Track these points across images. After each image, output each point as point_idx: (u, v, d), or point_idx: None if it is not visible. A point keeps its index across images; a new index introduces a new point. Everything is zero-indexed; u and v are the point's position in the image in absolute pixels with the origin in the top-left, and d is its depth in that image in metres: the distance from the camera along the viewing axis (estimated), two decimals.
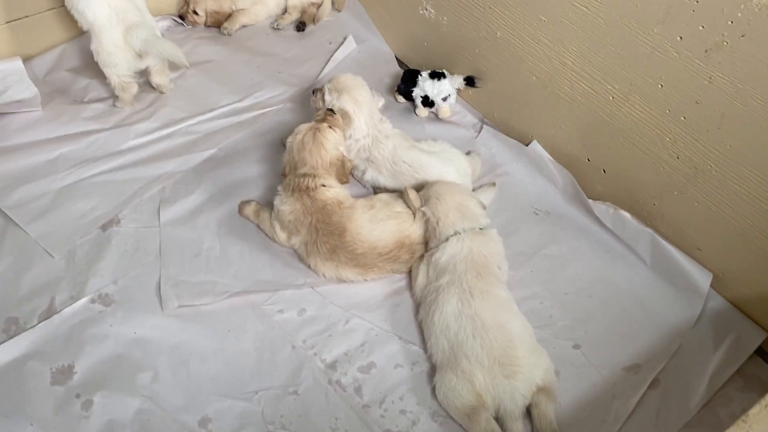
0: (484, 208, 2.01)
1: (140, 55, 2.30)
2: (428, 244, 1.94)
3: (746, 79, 1.58)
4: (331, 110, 2.12)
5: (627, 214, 2.03)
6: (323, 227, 1.91)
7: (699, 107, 1.71)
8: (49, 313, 1.86)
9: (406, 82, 2.48)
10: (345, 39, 2.82)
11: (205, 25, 2.86)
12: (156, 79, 2.47)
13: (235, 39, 2.83)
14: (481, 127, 2.46)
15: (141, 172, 2.25)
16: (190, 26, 2.85)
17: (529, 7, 2.04)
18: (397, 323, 1.89)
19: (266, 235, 2.06)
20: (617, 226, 2.05)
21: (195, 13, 2.80)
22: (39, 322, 1.83)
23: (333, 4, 2.98)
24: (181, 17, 2.84)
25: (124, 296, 1.91)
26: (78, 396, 1.70)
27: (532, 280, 2.00)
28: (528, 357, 1.66)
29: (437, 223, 1.91)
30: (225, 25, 2.83)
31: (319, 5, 2.94)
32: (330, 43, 2.83)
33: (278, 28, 2.88)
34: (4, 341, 1.78)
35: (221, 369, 1.77)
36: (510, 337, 1.68)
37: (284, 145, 2.31)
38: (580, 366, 1.81)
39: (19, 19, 2.47)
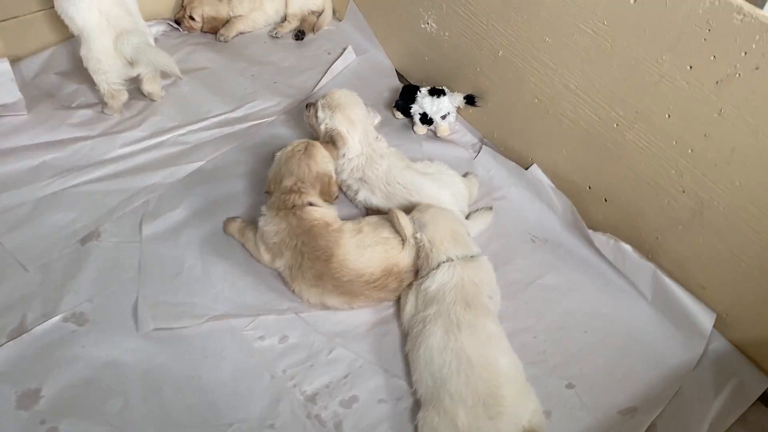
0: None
1: (131, 63, 2.22)
2: (419, 271, 1.85)
3: (759, 114, 1.49)
4: (333, 139, 2.03)
5: (628, 247, 1.93)
6: (309, 251, 1.82)
7: (708, 140, 1.62)
8: (20, 331, 1.77)
9: (405, 98, 2.40)
10: (344, 50, 2.74)
11: (202, 30, 2.79)
12: (147, 87, 2.39)
13: (231, 46, 2.76)
14: (480, 148, 2.37)
15: (125, 183, 2.17)
16: (185, 32, 2.78)
17: (532, 27, 1.96)
18: (383, 354, 1.80)
19: (251, 254, 1.98)
20: (617, 258, 1.96)
21: (191, 18, 2.73)
22: (8, 341, 1.74)
23: (334, 12, 2.91)
24: (177, 22, 2.77)
25: (99, 315, 1.82)
26: (43, 422, 1.61)
27: (526, 311, 1.91)
28: (514, 397, 1.57)
29: (431, 249, 1.82)
30: (222, 31, 2.75)
31: (320, 14, 2.86)
32: (329, 54, 2.75)
33: (276, 37, 2.80)
34: None
35: (195, 398, 1.68)
36: (496, 375, 1.58)
37: None
38: (572, 407, 1.71)
39: (8, 19, 2.40)
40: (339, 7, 2.88)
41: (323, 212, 1.89)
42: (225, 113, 2.44)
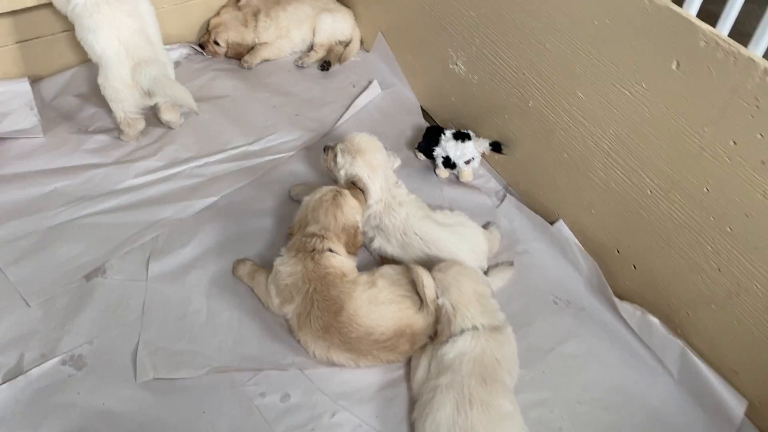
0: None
1: (148, 94, 2.17)
2: (436, 334, 1.76)
3: None
4: (355, 184, 1.96)
5: (656, 320, 1.82)
6: (320, 300, 1.74)
7: (749, 221, 1.50)
8: (16, 371, 1.72)
9: (428, 140, 2.31)
10: (369, 83, 2.66)
11: (226, 56, 2.72)
12: (165, 116, 2.34)
13: (254, 73, 2.69)
14: (504, 196, 2.28)
15: (136, 216, 2.11)
16: (209, 56, 2.72)
17: (566, 80, 1.86)
18: (389, 421, 1.70)
19: (260, 300, 1.91)
20: (644, 330, 1.85)
21: (216, 43, 2.67)
22: (3, 382, 1.69)
23: (362, 43, 2.84)
24: (201, 46, 2.71)
25: (98, 360, 1.76)
26: None
27: (543, 382, 1.80)
28: None
29: (454, 315, 1.72)
30: (246, 58, 2.69)
31: (347, 44, 2.79)
32: (353, 86, 2.68)
33: (302, 66, 2.73)
34: None
35: None
36: None
37: (292, 198, 2.19)
38: None
39: (31, 39, 2.37)
40: (367, 38, 2.80)
41: (342, 261, 1.82)
42: (243, 146, 2.37)
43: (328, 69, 2.72)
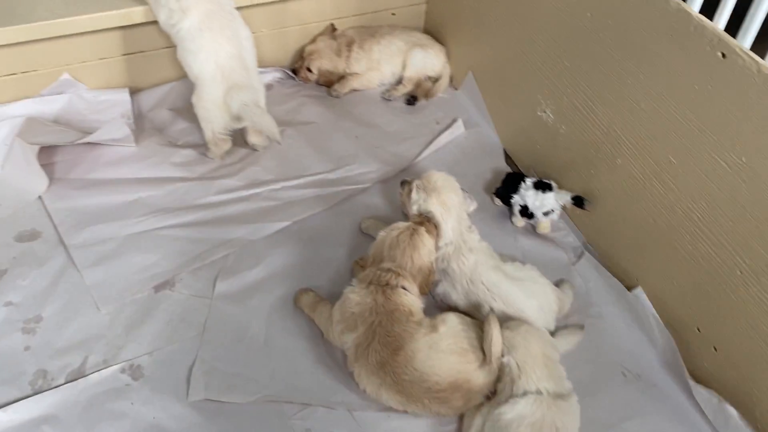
0: None
1: (237, 117, 2.22)
2: (494, 394, 1.68)
3: None
4: (427, 217, 1.93)
5: (734, 411, 1.67)
6: (382, 334, 1.70)
7: None
8: (79, 373, 1.78)
9: (507, 186, 2.25)
10: (454, 121, 2.63)
11: (317, 83, 2.76)
12: (251, 138, 2.40)
13: (341, 103, 2.72)
14: (582, 254, 2.18)
15: (211, 233, 2.15)
16: (301, 82, 2.77)
17: (658, 143, 1.76)
18: None
19: (320, 329, 1.90)
20: (719, 420, 1.70)
21: (308, 70, 2.72)
22: (65, 382, 1.75)
23: (451, 80, 2.81)
24: (294, 72, 2.77)
25: (155, 372, 1.80)
26: None
27: None
28: None
29: (518, 376, 1.65)
30: (335, 86, 2.73)
31: (436, 80, 2.77)
32: (437, 123, 2.65)
33: (388, 99, 2.73)
34: (29, 396, 1.72)
35: None
36: None
37: (362, 231, 2.18)
38: None
39: (135, 53, 2.49)
40: (457, 76, 2.78)
41: (412, 300, 1.79)
42: (322, 173, 2.39)
43: (414, 104, 2.71)
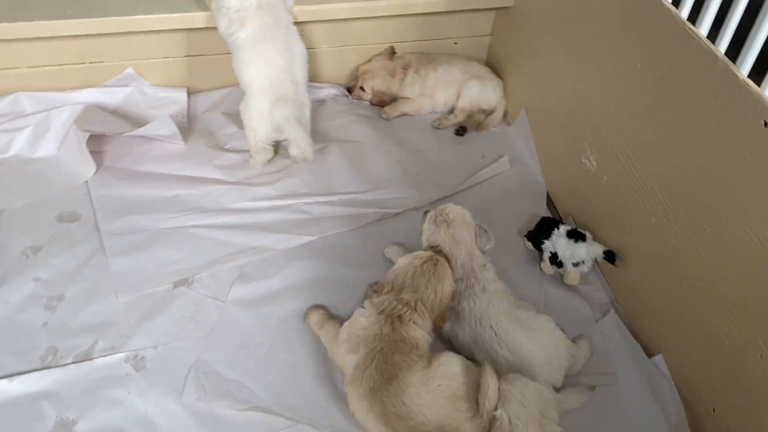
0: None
1: (278, 129, 2.27)
2: None
3: None
4: (438, 249, 1.90)
5: None
6: (381, 360, 1.66)
7: None
8: (86, 356, 1.84)
9: (540, 231, 2.18)
10: (500, 158, 2.58)
11: (370, 103, 2.78)
12: (292, 150, 2.43)
13: (390, 125, 2.72)
14: (608, 311, 2.07)
15: (238, 237, 2.19)
16: (355, 100, 2.80)
17: (694, 207, 1.66)
18: None
19: (324, 348, 1.88)
20: None
21: (362, 89, 2.74)
22: (72, 362, 1.82)
23: (505, 115, 2.77)
24: (349, 90, 2.80)
25: (156, 366, 1.84)
26: None
27: None
28: None
29: (510, 431, 1.58)
30: (386, 109, 2.73)
31: (489, 113, 2.73)
32: (483, 157, 2.61)
33: (438, 128, 2.71)
34: (36, 370, 1.80)
35: None
36: None
37: (384, 256, 2.16)
38: None
39: (197, 55, 2.58)
40: (511, 111, 2.73)
41: (421, 334, 1.74)
42: (355, 193, 2.39)
43: (463, 134, 2.68)
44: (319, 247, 2.20)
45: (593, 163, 2.14)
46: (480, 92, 2.71)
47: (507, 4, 2.60)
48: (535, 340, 1.81)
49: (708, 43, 1.57)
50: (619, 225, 2.03)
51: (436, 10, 2.61)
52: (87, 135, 2.23)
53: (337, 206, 2.34)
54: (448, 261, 1.88)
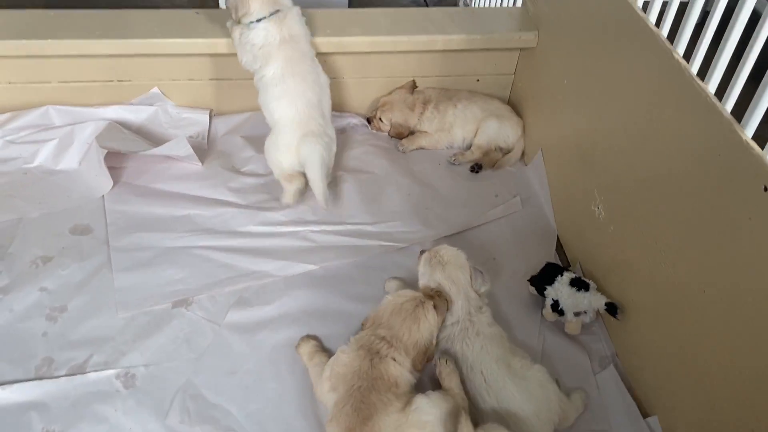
0: None
1: (303, 163, 2.26)
2: None
3: None
4: (439, 292, 1.88)
5: None
6: (357, 399, 1.66)
7: None
8: (80, 369, 1.88)
9: (543, 276, 2.14)
10: (513, 198, 2.55)
11: (389, 134, 2.79)
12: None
13: (406, 158, 2.72)
14: (608, 364, 2.02)
15: (240, 261, 2.21)
16: (374, 131, 2.81)
17: (693, 269, 1.62)
18: None
19: (311, 379, 1.88)
20: None
21: (380, 120, 2.75)
22: (65, 375, 1.86)
23: (522, 155, 2.74)
24: (368, 120, 2.81)
25: (145, 385, 1.86)
26: None
27: None
28: None
29: None
30: (403, 142, 2.74)
31: (506, 152, 2.71)
32: (496, 196, 2.58)
33: (453, 163, 2.70)
34: (29, 380, 1.84)
35: None
36: None
37: (385, 290, 2.16)
38: None
39: (222, 79, 2.64)
40: (529, 151, 2.70)
41: (400, 372, 1.74)
42: (362, 224, 2.39)
43: (478, 172, 2.66)
44: (320, 277, 2.21)
45: (602, 211, 2.10)
46: (498, 130, 2.70)
47: (530, 45, 2.59)
48: (526, 391, 1.77)
49: (714, 100, 1.53)
50: (624, 277, 1.98)
51: (458, 48, 2.61)
52: (105, 152, 2.30)
53: (343, 236, 2.35)
54: (449, 304, 1.87)
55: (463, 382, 1.81)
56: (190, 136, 2.63)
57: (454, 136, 2.74)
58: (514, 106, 2.83)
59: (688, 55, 1.70)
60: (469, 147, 2.74)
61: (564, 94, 2.36)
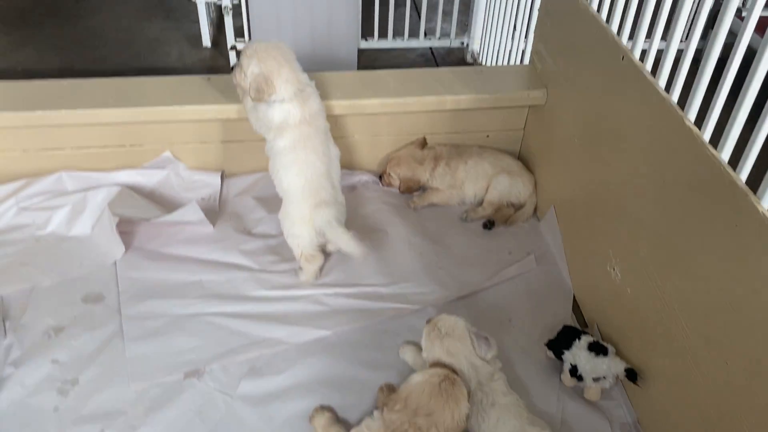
0: None
1: (320, 233, 2.25)
2: None
3: None
4: (451, 367, 1.85)
5: None
6: None
7: None
8: None
9: (560, 340, 2.10)
10: (527, 255, 2.52)
11: (400, 190, 2.79)
12: (331, 247, 2.43)
13: (417, 215, 2.71)
14: None
15: (253, 327, 2.19)
16: (385, 187, 2.81)
17: (716, 338, 1.57)
18: None
19: None
20: None
21: (390, 176, 2.75)
22: None
23: (535, 211, 2.72)
24: (380, 177, 2.82)
25: None
26: None
27: None
28: None
29: None
30: (415, 199, 2.74)
31: (519, 208, 2.70)
32: (509, 254, 2.56)
33: (465, 220, 2.68)
34: None
35: None
36: None
37: (399, 355, 2.12)
38: None
39: (232, 141, 2.66)
40: (542, 207, 2.68)
41: None
42: (375, 285, 2.37)
43: (490, 228, 2.64)
44: (332, 343, 2.18)
45: (618, 273, 2.07)
46: (509, 187, 2.69)
47: (539, 103, 2.59)
48: None
49: (729, 169, 1.51)
50: (643, 342, 1.94)
51: (467, 107, 2.62)
52: (117, 219, 2.30)
53: (356, 299, 2.32)
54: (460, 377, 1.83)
55: None
56: (202, 198, 2.64)
57: (465, 192, 2.73)
58: (524, 160, 2.83)
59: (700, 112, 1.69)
60: (480, 203, 2.73)
61: (574, 151, 2.35)
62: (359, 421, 1.79)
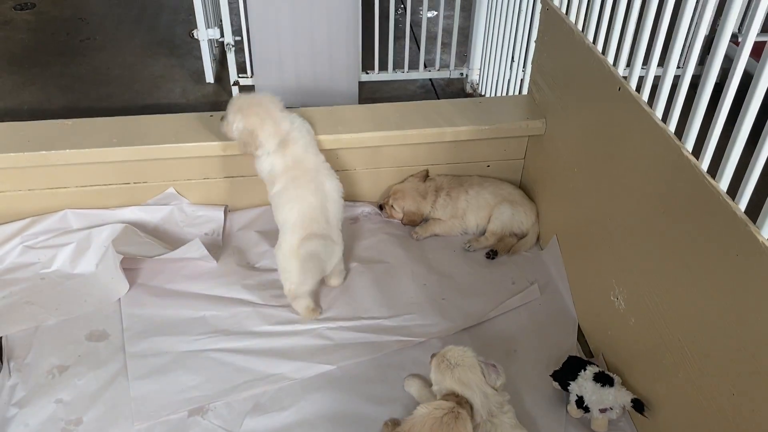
0: None
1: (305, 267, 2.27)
2: None
3: None
4: (459, 398, 1.83)
5: None
6: None
7: None
8: None
9: (565, 371, 2.08)
10: (530, 285, 2.52)
11: (402, 222, 2.80)
12: (330, 282, 2.46)
13: (420, 246, 2.71)
14: None
15: (257, 363, 2.19)
16: (386, 217, 2.82)
17: (721, 368, 1.56)
18: None
19: None
20: None
21: (393, 207, 2.77)
22: None
23: (538, 240, 2.72)
24: (381, 207, 2.83)
25: None
26: None
27: None
28: None
29: None
30: (417, 229, 2.74)
31: (521, 237, 2.70)
32: (513, 283, 2.55)
33: (468, 250, 2.69)
34: None
35: None
36: None
37: (404, 389, 2.11)
38: None
39: (235, 176, 2.68)
40: (545, 236, 2.68)
41: None
42: (379, 318, 2.37)
43: (493, 258, 2.64)
44: (337, 377, 2.17)
45: (621, 302, 2.06)
46: (511, 216, 2.69)
47: (538, 132, 2.61)
48: None
49: (727, 198, 1.51)
50: (649, 372, 1.92)
51: (467, 138, 2.64)
52: (121, 257, 2.32)
53: (360, 332, 2.32)
54: (472, 409, 1.82)
55: None
56: (206, 233, 2.66)
57: (467, 222, 2.74)
58: (526, 189, 2.84)
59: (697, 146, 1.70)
60: (483, 233, 2.73)
61: (574, 180, 2.36)
62: None
